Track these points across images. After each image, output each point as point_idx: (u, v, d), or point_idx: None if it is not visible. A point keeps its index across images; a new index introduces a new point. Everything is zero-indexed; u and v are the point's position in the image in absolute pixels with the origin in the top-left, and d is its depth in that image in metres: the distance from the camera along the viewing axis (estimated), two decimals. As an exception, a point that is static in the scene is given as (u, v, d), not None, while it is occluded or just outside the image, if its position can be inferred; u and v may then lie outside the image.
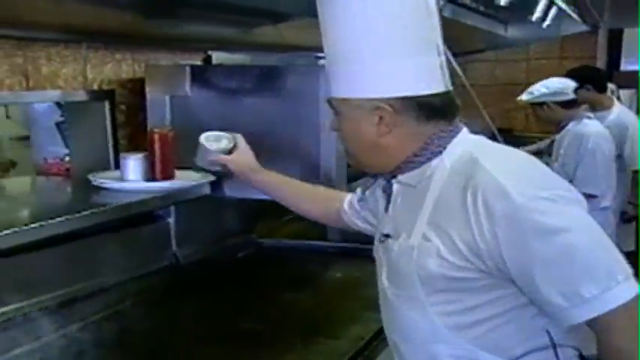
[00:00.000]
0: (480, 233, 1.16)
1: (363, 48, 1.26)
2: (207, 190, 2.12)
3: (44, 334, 1.81)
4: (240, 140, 1.88)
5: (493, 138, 3.58)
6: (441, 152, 1.29)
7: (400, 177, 1.34)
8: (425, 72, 1.27)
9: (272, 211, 3.00)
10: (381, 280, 1.40)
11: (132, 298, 2.08)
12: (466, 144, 1.30)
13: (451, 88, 1.32)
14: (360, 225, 1.70)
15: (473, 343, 1.25)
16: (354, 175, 2.14)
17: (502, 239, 1.15)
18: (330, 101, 1.38)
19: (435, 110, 1.28)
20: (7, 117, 3.31)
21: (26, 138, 5.52)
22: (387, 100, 1.26)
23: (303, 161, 2.08)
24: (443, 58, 1.30)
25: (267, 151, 2.11)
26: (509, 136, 4.66)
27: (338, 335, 1.83)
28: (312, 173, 2.06)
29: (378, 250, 1.44)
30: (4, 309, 1.76)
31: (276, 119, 2.09)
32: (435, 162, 1.29)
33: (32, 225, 1.65)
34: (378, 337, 1.77)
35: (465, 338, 1.26)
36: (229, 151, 1.85)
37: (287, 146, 2.09)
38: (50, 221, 1.70)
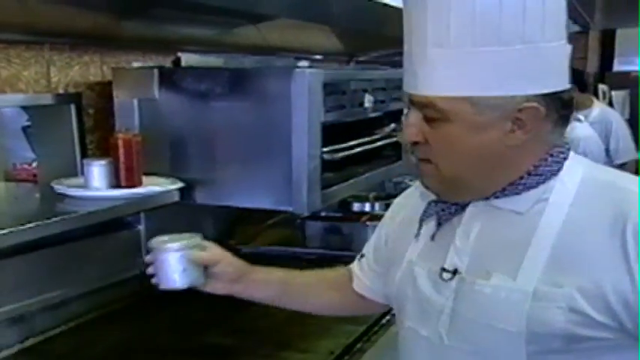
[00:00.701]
0: None
1: (510, 25, 0.95)
2: (175, 198, 2.04)
3: (1, 347, 1.75)
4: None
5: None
6: (558, 172, 1.04)
7: (498, 201, 1.06)
8: (564, 61, 1.03)
9: (251, 217, 2.95)
10: (433, 331, 1.10)
11: (97, 310, 2.02)
12: (583, 165, 1.07)
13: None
14: (372, 284, 1.38)
15: None
16: (328, 182, 2.07)
17: None
18: (424, 103, 1.03)
19: (571, 113, 1.06)
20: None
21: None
22: (536, 98, 0.98)
23: (274, 166, 2.01)
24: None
25: (238, 156, 2.05)
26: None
27: (308, 349, 1.76)
28: (284, 179, 1.98)
29: (421, 290, 1.12)
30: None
31: (247, 123, 2.02)
32: (551, 183, 1.03)
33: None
34: (350, 351, 1.70)
35: None
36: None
37: (258, 151, 2.02)
38: (11, 229, 1.63)
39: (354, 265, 1.44)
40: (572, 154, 1.07)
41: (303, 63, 3.15)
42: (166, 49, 2.53)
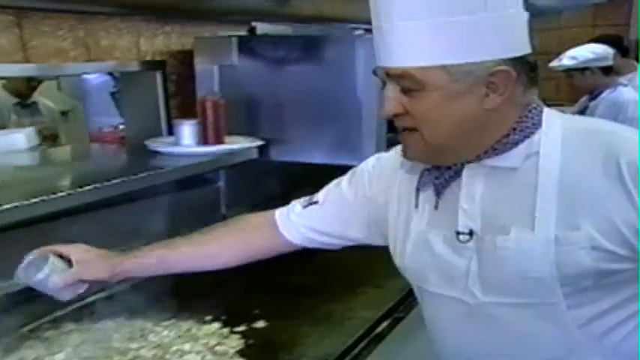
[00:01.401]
0: None
1: None
2: (255, 154, 2.25)
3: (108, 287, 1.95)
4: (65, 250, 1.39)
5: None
6: (538, 126, 1.08)
7: (490, 160, 1.10)
8: (525, 26, 1.06)
9: (316, 175, 3.13)
10: (464, 291, 1.14)
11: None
12: (558, 116, 1.12)
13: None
14: (311, 234, 1.41)
15: (614, 352, 1.10)
16: (392, 140, 2.25)
17: None
18: (400, 74, 1.06)
19: (537, 74, 1.10)
20: (59, 89, 3.47)
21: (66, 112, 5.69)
22: (505, 62, 1.02)
23: (344, 125, 2.19)
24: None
25: (310, 116, 2.24)
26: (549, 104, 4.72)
27: (381, 286, 1.95)
28: (353, 137, 2.17)
29: (439, 256, 1.15)
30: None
31: (317, 85, 2.20)
32: (535, 137, 1.08)
33: (95, 185, 1.77)
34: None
35: (604, 346, 1.09)
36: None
37: (329, 111, 2.20)
38: (107, 183, 1.82)
39: (288, 213, 1.44)
40: (546, 108, 1.12)
41: (359, 32, 3.32)
42: (236, 21, 2.72)
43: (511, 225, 1.07)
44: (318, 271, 2.06)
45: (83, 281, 1.36)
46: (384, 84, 1.10)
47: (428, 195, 1.18)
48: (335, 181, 1.44)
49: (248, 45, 2.31)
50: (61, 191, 1.69)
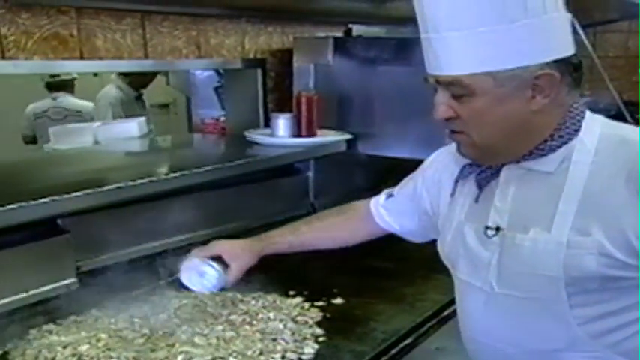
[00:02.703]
0: None
1: (514, 3, 1.06)
2: (343, 147, 2.42)
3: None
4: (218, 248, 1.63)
5: (619, 112, 3.65)
6: (577, 132, 1.14)
7: (528, 163, 1.17)
8: (567, 28, 1.12)
9: (399, 171, 3.27)
10: (484, 281, 1.23)
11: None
12: (599, 123, 1.16)
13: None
14: (393, 223, 1.62)
15: (611, 349, 1.14)
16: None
17: None
18: (450, 82, 1.12)
19: (582, 75, 1.15)
20: (167, 84, 3.76)
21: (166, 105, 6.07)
22: (549, 65, 1.08)
23: (429, 123, 2.31)
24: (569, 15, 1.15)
25: (398, 114, 2.39)
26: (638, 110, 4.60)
27: (455, 274, 2.07)
28: (437, 134, 2.29)
29: (469, 246, 1.25)
30: (175, 238, 2.12)
31: (407, 85, 2.34)
32: (572, 143, 1.13)
33: (195, 170, 2.00)
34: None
35: (603, 344, 1.14)
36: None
37: (415, 109, 2.33)
38: (208, 167, 2.04)
39: (378, 203, 1.65)
40: (588, 113, 1.17)
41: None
42: (331, 22, 2.89)
43: (532, 225, 1.14)
44: (397, 258, 2.19)
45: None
46: (435, 90, 1.18)
47: (469, 188, 1.27)
48: (409, 176, 1.61)
49: (343, 45, 2.48)
50: (166, 174, 1.95)
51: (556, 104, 1.13)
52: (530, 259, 1.14)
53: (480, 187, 1.24)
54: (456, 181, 1.30)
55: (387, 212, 1.63)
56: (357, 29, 2.59)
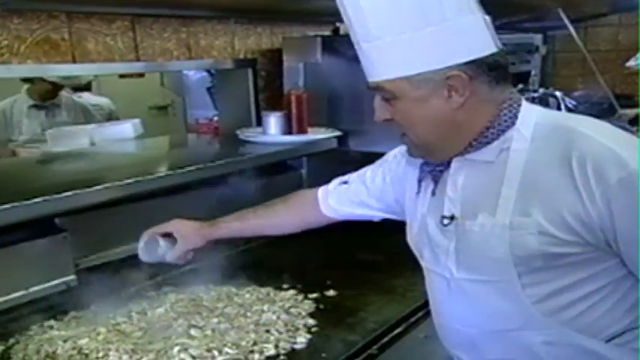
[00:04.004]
0: (592, 204, 1.09)
1: (411, 15, 1.13)
2: (334, 144, 2.46)
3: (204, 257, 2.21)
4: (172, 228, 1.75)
5: (610, 105, 3.69)
6: (514, 122, 1.20)
7: (471, 155, 1.24)
8: (481, 30, 1.18)
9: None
10: (444, 267, 1.30)
11: (267, 237, 2.44)
12: (535, 113, 1.23)
13: (502, 47, 1.22)
14: (348, 208, 1.68)
15: (568, 326, 1.19)
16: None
17: (616, 209, 1.08)
18: (376, 87, 1.22)
19: (504, 71, 1.21)
20: (162, 85, 3.81)
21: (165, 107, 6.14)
22: (458, 67, 1.15)
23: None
24: (487, 16, 1.21)
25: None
26: (630, 102, 4.64)
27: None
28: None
29: (431, 236, 1.33)
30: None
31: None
32: (509, 133, 1.20)
33: (188, 168, 2.06)
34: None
35: (559, 321, 1.19)
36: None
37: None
38: (202, 165, 2.10)
39: (326, 191, 1.72)
40: (525, 103, 1.24)
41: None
42: (320, 21, 2.94)
43: (479, 211, 1.21)
44: (388, 251, 2.23)
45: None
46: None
47: (427, 183, 1.35)
48: (366, 168, 1.71)
49: (331, 44, 2.53)
50: (161, 173, 1.99)
51: (480, 100, 1.19)
52: (481, 243, 1.21)
53: (435, 181, 1.32)
54: (420, 180, 1.37)
55: (336, 198, 1.70)
56: (344, 28, 2.64)
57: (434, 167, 1.31)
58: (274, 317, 1.71)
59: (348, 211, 1.70)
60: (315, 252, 2.29)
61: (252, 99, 2.66)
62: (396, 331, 1.71)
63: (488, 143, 1.21)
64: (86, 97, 4.76)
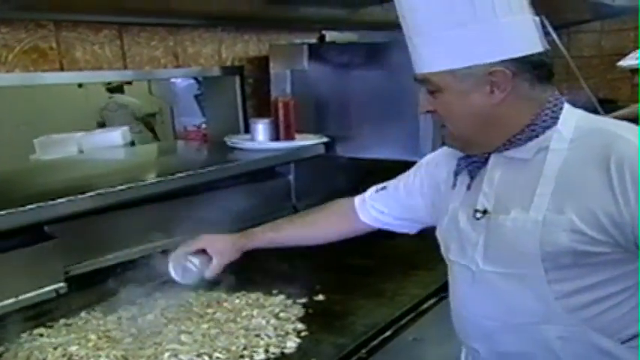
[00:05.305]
0: (626, 205, 1.12)
1: (463, 10, 1.19)
2: (322, 150, 2.48)
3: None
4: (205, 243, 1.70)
5: (594, 110, 3.73)
6: (555, 123, 1.24)
7: (509, 152, 1.27)
8: (529, 29, 1.22)
9: (378, 172, 3.34)
10: (471, 260, 1.33)
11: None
12: (576, 115, 1.26)
13: (548, 47, 1.25)
14: (378, 215, 1.68)
15: (587, 324, 1.22)
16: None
17: None
18: (422, 79, 1.27)
19: (548, 71, 1.24)
20: (150, 93, 3.81)
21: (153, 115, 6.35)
22: (502, 63, 1.19)
23: (404, 124, 2.40)
24: (537, 18, 1.25)
25: (373, 116, 2.46)
26: (614, 107, 4.69)
27: (433, 269, 2.13)
28: (412, 135, 2.37)
29: (461, 229, 1.36)
30: (160, 242, 2.17)
31: (380, 88, 2.42)
32: (549, 133, 1.23)
33: (178, 175, 2.06)
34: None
35: (578, 318, 1.22)
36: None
37: (390, 111, 2.42)
38: (191, 172, 2.11)
39: (364, 198, 1.72)
40: (567, 105, 1.27)
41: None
42: (307, 28, 2.96)
43: (513, 206, 1.25)
44: (378, 255, 2.26)
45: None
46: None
47: (464, 178, 1.38)
48: (404, 174, 1.69)
49: (318, 51, 2.55)
50: (150, 179, 2.00)
51: (520, 98, 1.23)
52: (511, 237, 1.24)
53: (472, 176, 1.35)
54: (456, 174, 1.40)
55: (374, 205, 1.69)
56: (330, 35, 2.67)
57: (472, 162, 1.34)
58: (264, 322, 1.73)
59: (386, 219, 1.69)
60: (304, 257, 2.30)
61: (239, 106, 2.67)
62: (385, 334, 1.73)
63: (528, 141, 1.25)
64: (117, 98, 6.14)
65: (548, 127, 1.24)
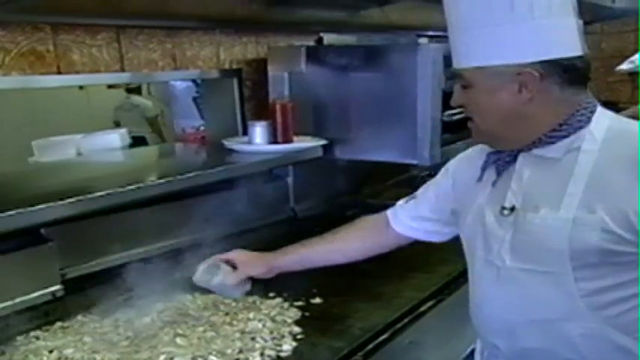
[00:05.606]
0: None
1: (501, 9, 1.21)
2: (320, 153, 2.48)
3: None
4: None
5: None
6: (587, 123, 1.25)
7: (539, 150, 1.29)
8: (568, 32, 1.23)
9: (377, 175, 3.35)
10: (497, 256, 1.34)
11: (256, 245, 2.46)
12: (609, 117, 1.27)
13: (587, 51, 1.26)
14: (413, 223, 1.66)
15: (609, 322, 1.24)
16: (447, 141, 2.43)
17: None
18: (458, 73, 1.33)
19: (579, 75, 1.25)
20: (149, 94, 3.82)
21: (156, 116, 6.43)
22: (532, 65, 1.22)
23: (402, 126, 2.39)
24: (580, 21, 1.26)
25: (371, 118, 2.46)
26: (615, 109, 4.66)
27: (430, 271, 2.15)
28: (410, 137, 2.37)
29: (486, 225, 1.37)
30: (157, 245, 2.18)
31: (379, 90, 2.41)
32: (581, 133, 1.25)
33: (177, 177, 2.04)
34: (465, 275, 2.06)
35: (600, 316, 1.23)
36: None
37: (388, 114, 2.41)
38: (190, 174, 2.08)
39: (395, 209, 1.70)
40: (600, 108, 1.28)
41: (423, 39, 3.50)
42: (306, 31, 2.96)
43: (542, 205, 1.26)
44: (375, 258, 2.25)
45: (248, 279, 1.69)
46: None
47: (490, 174, 1.39)
48: (430, 181, 1.68)
49: (316, 54, 2.55)
50: (148, 182, 1.98)
51: (549, 99, 1.25)
52: (540, 234, 1.25)
53: (499, 173, 1.36)
54: (483, 169, 1.41)
55: (407, 214, 1.68)
56: (328, 38, 2.67)
57: (500, 158, 1.36)
58: (260, 325, 1.73)
59: (422, 226, 1.66)
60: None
61: (237, 108, 2.67)
62: (382, 338, 1.74)
63: (558, 141, 1.27)
64: (133, 99, 6.29)
65: (580, 128, 1.26)
